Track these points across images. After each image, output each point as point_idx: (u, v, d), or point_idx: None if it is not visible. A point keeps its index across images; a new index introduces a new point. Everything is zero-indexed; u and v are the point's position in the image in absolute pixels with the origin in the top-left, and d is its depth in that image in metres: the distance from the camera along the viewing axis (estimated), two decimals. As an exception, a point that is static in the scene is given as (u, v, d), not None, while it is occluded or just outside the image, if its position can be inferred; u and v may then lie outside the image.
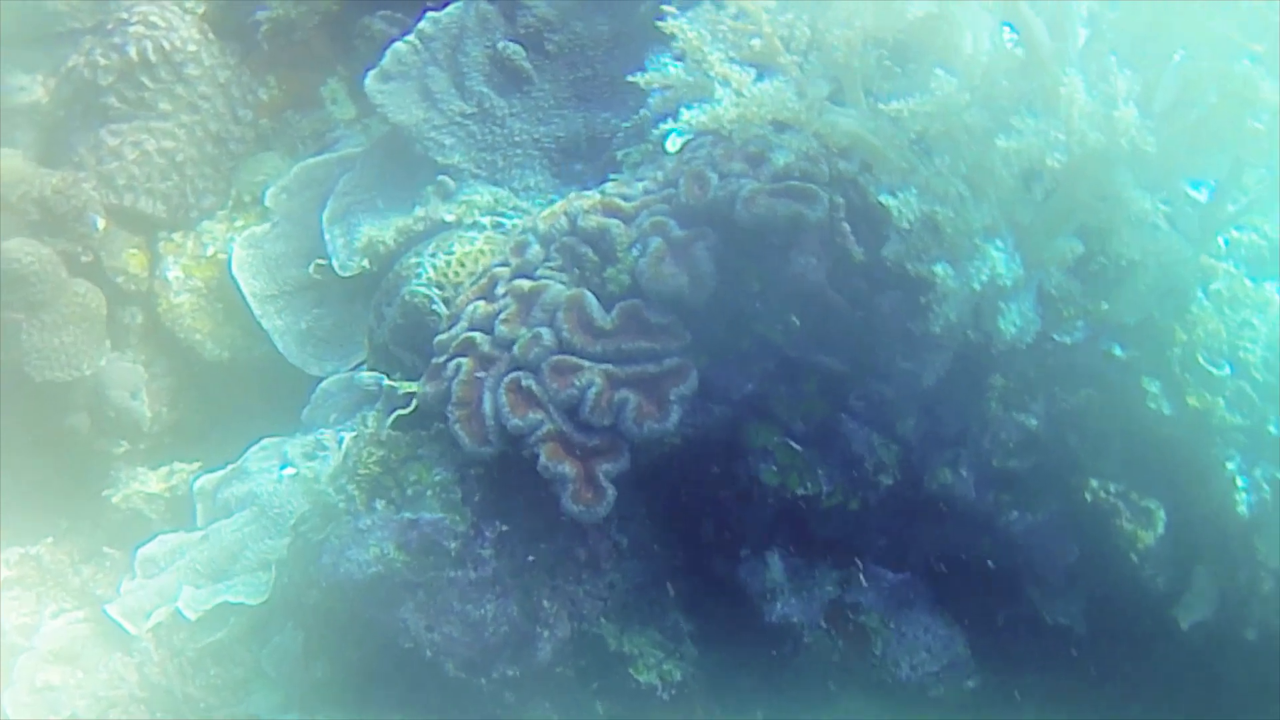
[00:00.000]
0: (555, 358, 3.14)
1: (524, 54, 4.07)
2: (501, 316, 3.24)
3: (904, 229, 2.86)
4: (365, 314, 3.99)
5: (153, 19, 4.49)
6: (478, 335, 3.24)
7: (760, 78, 2.92)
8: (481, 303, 3.32)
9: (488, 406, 3.13)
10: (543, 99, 4.10)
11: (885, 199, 2.83)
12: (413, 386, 3.46)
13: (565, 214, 3.38)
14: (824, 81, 2.91)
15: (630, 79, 3.09)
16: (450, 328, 3.34)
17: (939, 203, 2.82)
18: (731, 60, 2.91)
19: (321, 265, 4.19)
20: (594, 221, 3.30)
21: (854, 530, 3.29)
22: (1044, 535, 3.19)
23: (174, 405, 4.49)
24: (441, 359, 3.27)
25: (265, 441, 3.99)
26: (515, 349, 3.17)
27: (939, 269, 2.86)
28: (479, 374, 3.18)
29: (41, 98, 4.64)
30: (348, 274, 4.08)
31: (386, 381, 3.64)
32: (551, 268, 3.32)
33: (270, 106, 4.69)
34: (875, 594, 3.30)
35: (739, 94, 2.87)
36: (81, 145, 4.52)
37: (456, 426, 3.15)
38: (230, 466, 3.99)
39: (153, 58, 4.45)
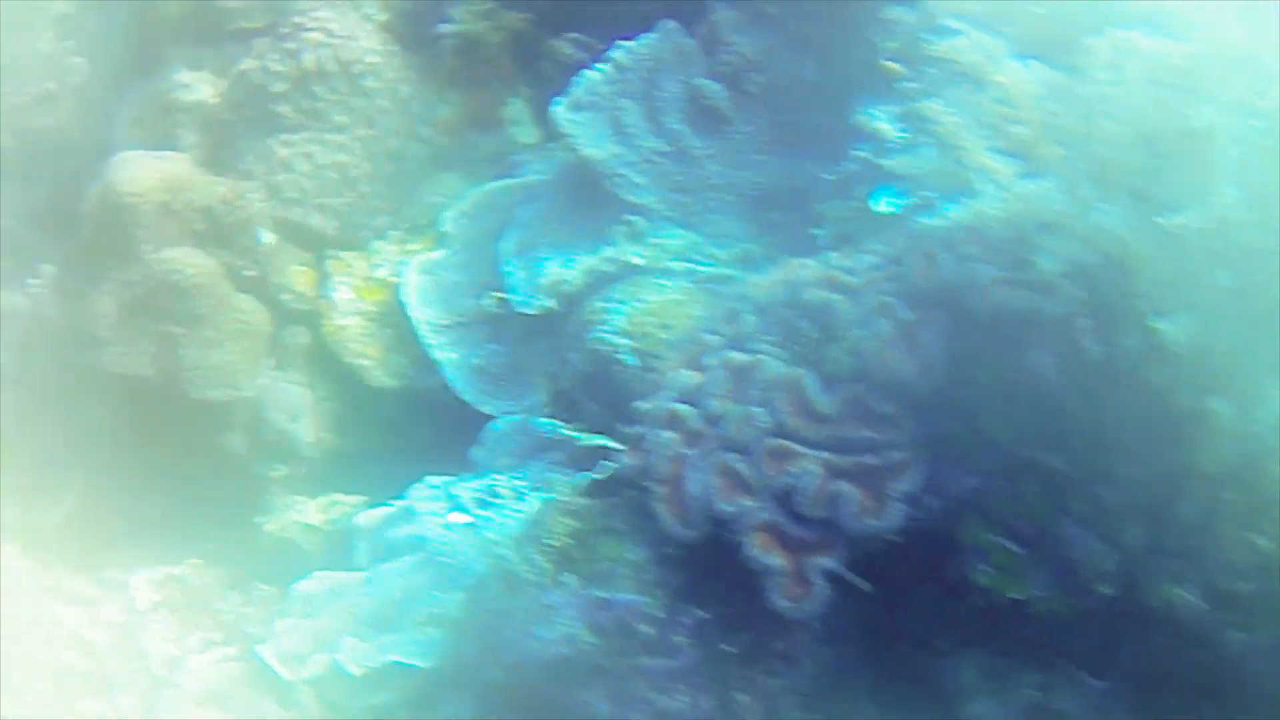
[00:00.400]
0: (770, 441, 2.99)
1: (723, 93, 3.90)
2: (712, 391, 3.09)
3: (1176, 354, 2.68)
4: (544, 355, 3.85)
5: (332, 26, 4.29)
6: (684, 408, 3.10)
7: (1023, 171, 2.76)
8: (690, 372, 3.16)
9: (694, 487, 3.00)
10: (741, 142, 3.92)
11: (1159, 324, 2.66)
12: (596, 440, 3.34)
13: (785, 283, 3.21)
14: (1090, 180, 2.74)
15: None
16: (654, 394, 3.19)
17: (1215, 329, 2.65)
18: (993, 149, 2.75)
19: (499, 298, 4.03)
20: (817, 295, 3.13)
21: (1061, 635, 3.13)
22: (1265, 658, 3.03)
23: (336, 431, 4.30)
24: (643, 429, 3.13)
25: (431, 480, 3.83)
26: (727, 428, 3.02)
27: (1217, 405, 2.68)
28: (685, 451, 3.04)
29: (207, 98, 4.46)
30: (529, 311, 3.93)
31: (566, 430, 3.51)
32: (767, 341, 3.16)
33: (450, 125, 4.46)
34: (1078, 701, 3.16)
35: (1005, 190, 2.71)
36: (250, 153, 4.36)
37: (659, 505, 3.03)
38: (395, 505, 3.84)
39: (330, 68, 4.27)
